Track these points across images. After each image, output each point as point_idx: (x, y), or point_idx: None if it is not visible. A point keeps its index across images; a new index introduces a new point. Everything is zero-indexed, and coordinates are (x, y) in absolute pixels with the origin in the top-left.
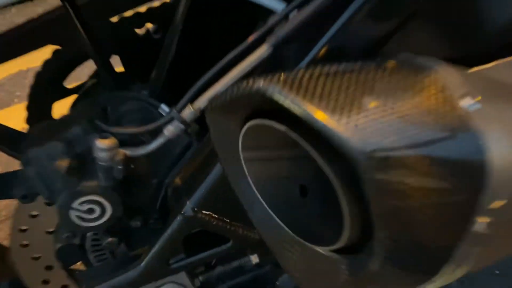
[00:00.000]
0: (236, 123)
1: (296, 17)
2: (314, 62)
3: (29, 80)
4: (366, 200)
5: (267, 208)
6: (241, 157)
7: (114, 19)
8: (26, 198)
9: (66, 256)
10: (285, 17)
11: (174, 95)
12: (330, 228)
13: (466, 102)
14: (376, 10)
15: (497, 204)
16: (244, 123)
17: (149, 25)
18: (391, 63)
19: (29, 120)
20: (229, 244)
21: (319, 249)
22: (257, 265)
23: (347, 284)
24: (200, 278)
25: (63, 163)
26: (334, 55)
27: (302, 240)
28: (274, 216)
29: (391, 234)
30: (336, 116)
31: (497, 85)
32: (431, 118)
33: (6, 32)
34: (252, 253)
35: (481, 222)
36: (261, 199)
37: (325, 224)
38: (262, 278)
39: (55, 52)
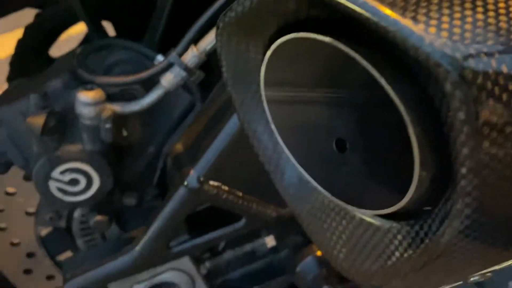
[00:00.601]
0: (258, 47)
1: None
2: None
3: None
4: (450, 141)
5: (297, 165)
6: (263, 98)
7: None
8: None
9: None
10: None
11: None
12: (379, 189)
13: None
14: None
15: None
16: (269, 46)
17: None
18: None
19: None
20: (241, 223)
21: (367, 214)
22: (272, 249)
23: (404, 261)
24: (207, 264)
25: (38, 120)
26: None
27: (343, 204)
28: (306, 175)
29: (482, 189)
30: (410, 11)
31: None
32: None
33: None
34: (268, 235)
35: None
36: (289, 154)
37: (372, 186)
38: (278, 265)
39: (37, 16)
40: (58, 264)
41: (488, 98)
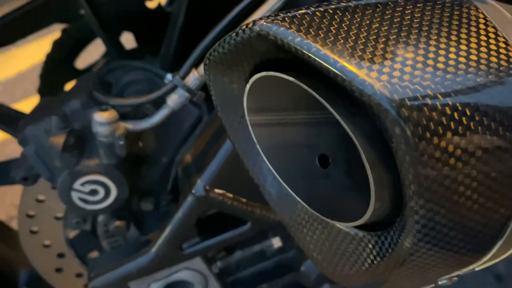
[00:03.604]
0: (240, 80)
1: None
2: None
3: None
4: (397, 164)
5: (281, 181)
6: (248, 123)
7: None
8: (27, 180)
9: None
10: None
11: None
12: (356, 203)
13: None
14: None
15: None
16: (249, 79)
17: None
18: None
19: None
20: (246, 227)
21: (342, 225)
22: (280, 250)
23: (375, 267)
24: (218, 263)
25: (59, 139)
26: None
27: (322, 217)
28: (289, 190)
29: (429, 208)
30: (355, 58)
31: None
32: (480, 60)
33: (13, 12)
34: (274, 236)
35: None
36: (274, 171)
37: (350, 198)
38: (287, 264)
39: (63, 31)
40: (86, 263)
41: (424, 131)
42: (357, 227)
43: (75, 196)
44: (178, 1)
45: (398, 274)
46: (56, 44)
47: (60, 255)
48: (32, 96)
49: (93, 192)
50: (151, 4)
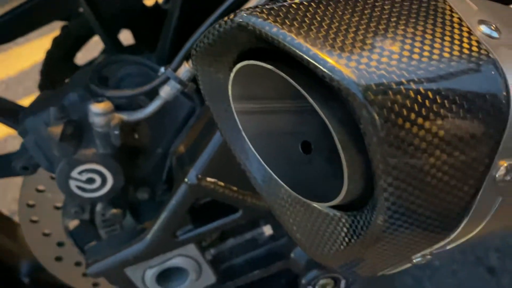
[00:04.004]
0: (225, 70)
1: None
2: None
3: None
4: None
5: (266, 167)
6: (233, 110)
7: None
8: (27, 169)
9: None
10: None
11: None
12: (335, 186)
13: (483, 31)
14: None
15: None
16: (233, 69)
17: None
18: None
19: None
20: (238, 214)
21: (320, 206)
22: (271, 237)
23: (352, 246)
24: (212, 251)
25: (57, 129)
26: None
27: (304, 199)
28: (274, 175)
29: (396, 188)
30: (327, 47)
31: None
32: (444, 48)
33: (13, 10)
34: (265, 224)
35: (502, 165)
36: (258, 157)
37: (330, 181)
38: (277, 251)
39: (63, 28)
40: (85, 252)
41: (389, 113)
42: (335, 208)
43: (72, 184)
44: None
45: (374, 252)
46: (56, 41)
47: (60, 244)
48: (34, 93)
49: (90, 181)
50: (149, 2)
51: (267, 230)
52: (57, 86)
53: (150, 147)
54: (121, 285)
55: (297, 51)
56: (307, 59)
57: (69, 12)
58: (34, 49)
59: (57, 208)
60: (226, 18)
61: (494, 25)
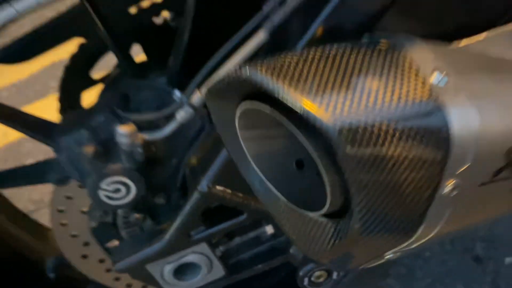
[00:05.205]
0: (233, 106)
1: (291, 2)
2: (311, 43)
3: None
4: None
5: (266, 181)
6: (240, 137)
7: (133, 10)
8: (61, 181)
9: (101, 234)
10: (280, 3)
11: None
12: (323, 197)
13: (435, 77)
14: None
15: (461, 168)
16: (240, 104)
17: (165, 14)
18: (367, 42)
19: (61, 110)
20: (243, 217)
21: (311, 214)
22: (272, 235)
23: (336, 247)
24: (221, 248)
25: (90, 149)
26: (331, 33)
27: (297, 208)
28: (273, 188)
29: (366, 202)
30: (310, 96)
31: (474, 59)
32: (401, 94)
33: (36, 28)
34: (267, 224)
35: (448, 184)
36: (261, 174)
37: (319, 193)
38: (278, 247)
39: (80, 45)
40: (107, 250)
41: (357, 147)
42: (323, 215)
43: (101, 194)
44: (183, 17)
45: (354, 250)
46: (74, 58)
47: (86, 244)
48: (44, 97)
49: (117, 191)
50: (158, 20)
51: (269, 229)
52: (74, 97)
53: (166, 159)
54: (142, 279)
55: (290, 102)
56: (298, 108)
57: (86, 30)
58: (43, 54)
59: (83, 212)
60: (234, 70)
61: (445, 71)
